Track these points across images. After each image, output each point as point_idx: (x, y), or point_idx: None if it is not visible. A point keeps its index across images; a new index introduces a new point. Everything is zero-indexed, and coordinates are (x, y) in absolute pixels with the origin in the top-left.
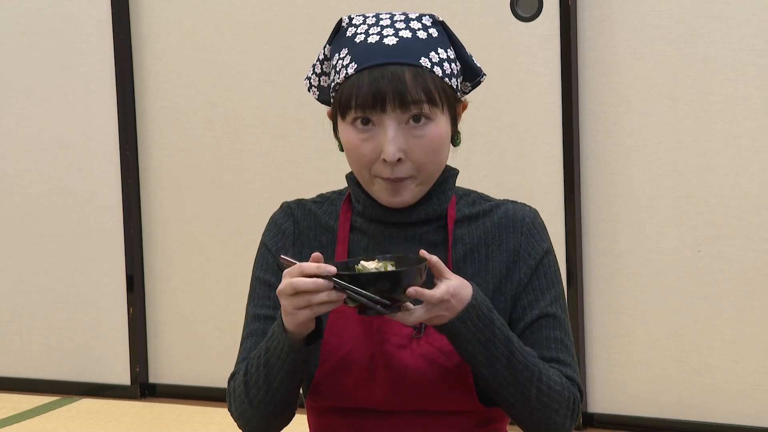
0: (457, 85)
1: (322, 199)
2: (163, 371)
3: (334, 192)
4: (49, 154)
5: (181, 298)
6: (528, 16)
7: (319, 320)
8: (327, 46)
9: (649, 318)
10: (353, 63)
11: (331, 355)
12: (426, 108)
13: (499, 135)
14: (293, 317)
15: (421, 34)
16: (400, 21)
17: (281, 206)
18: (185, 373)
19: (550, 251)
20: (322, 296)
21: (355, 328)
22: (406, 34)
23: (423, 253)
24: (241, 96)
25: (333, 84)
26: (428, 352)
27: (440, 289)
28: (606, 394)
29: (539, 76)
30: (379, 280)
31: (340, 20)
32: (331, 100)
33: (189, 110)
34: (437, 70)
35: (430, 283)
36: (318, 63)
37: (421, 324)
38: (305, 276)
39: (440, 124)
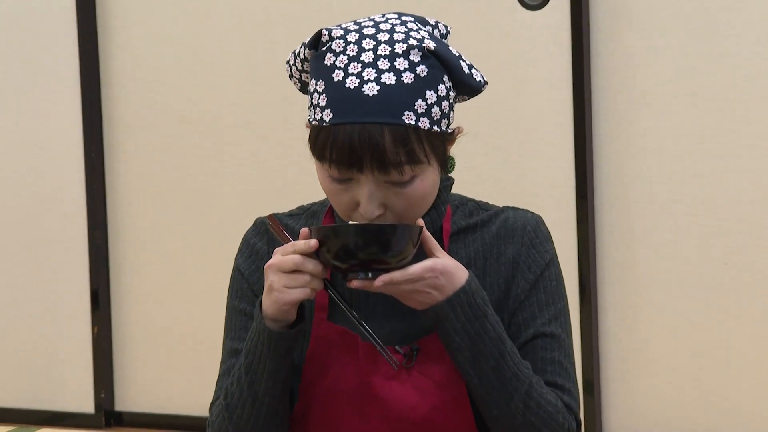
0: (448, 123)
1: (301, 212)
2: (130, 398)
3: (315, 203)
4: (7, 155)
5: (153, 316)
6: (535, 3)
7: (301, 306)
8: (306, 49)
9: (668, 336)
10: (329, 110)
11: (313, 386)
12: (407, 170)
13: (502, 136)
14: (281, 295)
15: (407, 77)
16: (384, 58)
17: (254, 223)
18: (155, 400)
19: (552, 263)
20: (316, 282)
21: (339, 355)
22: (390, 79)
23: (420, 222)
24: (222, 92)
25: (309, 115)
26: (421, 384)
27: (426, 263)
28: (621, 418)
29: (547, 71)
30: (365, 236)
31: (320, 33)
32: (308, 120)
33: (162, 107)
34: (424, 121)
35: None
36: (298, 60)
37: (412, 351)
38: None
39: (427, 177)
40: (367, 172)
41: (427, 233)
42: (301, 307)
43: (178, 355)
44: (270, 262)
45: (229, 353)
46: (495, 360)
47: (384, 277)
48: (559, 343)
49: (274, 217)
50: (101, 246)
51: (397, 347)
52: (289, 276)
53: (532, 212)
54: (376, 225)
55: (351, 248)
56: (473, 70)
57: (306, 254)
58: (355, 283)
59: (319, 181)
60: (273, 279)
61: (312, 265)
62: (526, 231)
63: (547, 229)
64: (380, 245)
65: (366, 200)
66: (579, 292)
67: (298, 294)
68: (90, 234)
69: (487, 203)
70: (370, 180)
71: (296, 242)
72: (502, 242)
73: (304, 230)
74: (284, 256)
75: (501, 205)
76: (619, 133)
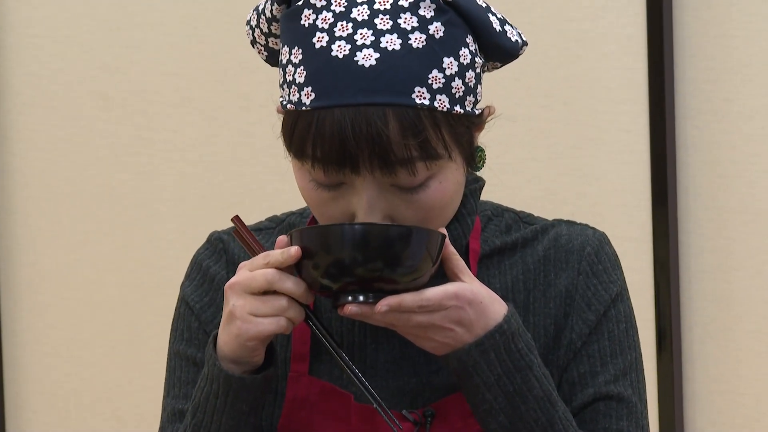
0: (475, 101)
1: (274, 224)
2: None
3: (292, 213)
4: None
5: (58, 366)
6: None
7: (271, 347)
8: (275, 4)
9: None
10: (310, 88)
11: None
12: (421, 168)
13: (549, 119)
14: (246, 326)
15: (416, 41)
16: (384, 14)
17: (208, 239)
18: None
19: (621, 298)
20: (295, 310)
21: (324, 421)
22: (393, 42)
23: (442, 229)
24: (154, 59)
25: (282, 96)
26: None
27: (449, 288)
28: None
29: (613, 27)
30: (368, 242)
31: None
32: (280, 103)
33: (71, 79)
34: (441, 100)
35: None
36: (263, 19)
37: (425, 417)
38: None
39: (447, 177)
40: (366, 173)
41: (451, 247)
42: (272, 346)
43: (92, 419)
44: (233, 279)
45: (171, 417)
46: (541, 429)
47: (390, 300)
48: (629, 408)
49: (242, 222)
50: None
51: (404, 411)
52: (259, 299)
53: (593, 228)
54: (382, 226)
55: (346, 261)
56: (507, 27)
57: (283, 269)
58: (349, 309)
59: (298, 186)
60: (236, 303)
61: (292, 283)
62: (584, 254)
63: (613, 251)
64: (387, 256)
65: (364, 211)
66: (656, 339)
67: (270, 325)
68: None
69: (531, 214)
70: (369, 184)
71: (271, 252)
72: (552, 269)
73: (282, 237)
74: (253, 271)
75: (550, 218)
76: (713, 113)
